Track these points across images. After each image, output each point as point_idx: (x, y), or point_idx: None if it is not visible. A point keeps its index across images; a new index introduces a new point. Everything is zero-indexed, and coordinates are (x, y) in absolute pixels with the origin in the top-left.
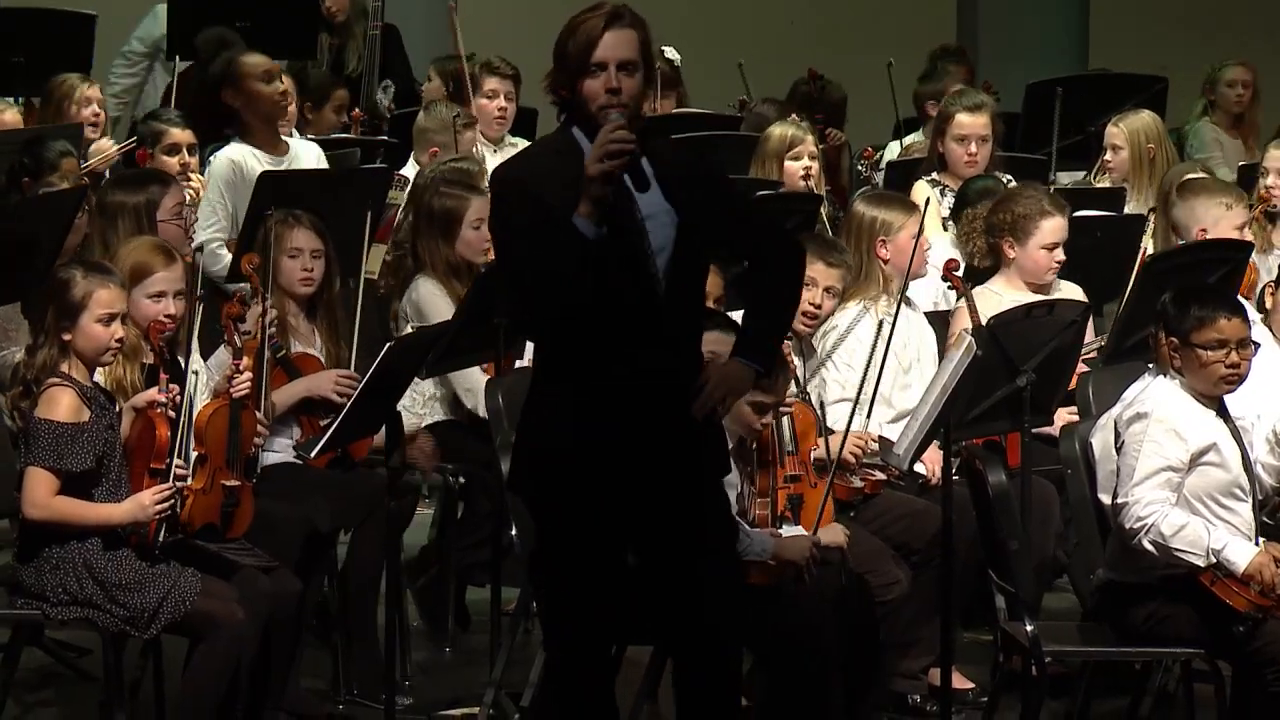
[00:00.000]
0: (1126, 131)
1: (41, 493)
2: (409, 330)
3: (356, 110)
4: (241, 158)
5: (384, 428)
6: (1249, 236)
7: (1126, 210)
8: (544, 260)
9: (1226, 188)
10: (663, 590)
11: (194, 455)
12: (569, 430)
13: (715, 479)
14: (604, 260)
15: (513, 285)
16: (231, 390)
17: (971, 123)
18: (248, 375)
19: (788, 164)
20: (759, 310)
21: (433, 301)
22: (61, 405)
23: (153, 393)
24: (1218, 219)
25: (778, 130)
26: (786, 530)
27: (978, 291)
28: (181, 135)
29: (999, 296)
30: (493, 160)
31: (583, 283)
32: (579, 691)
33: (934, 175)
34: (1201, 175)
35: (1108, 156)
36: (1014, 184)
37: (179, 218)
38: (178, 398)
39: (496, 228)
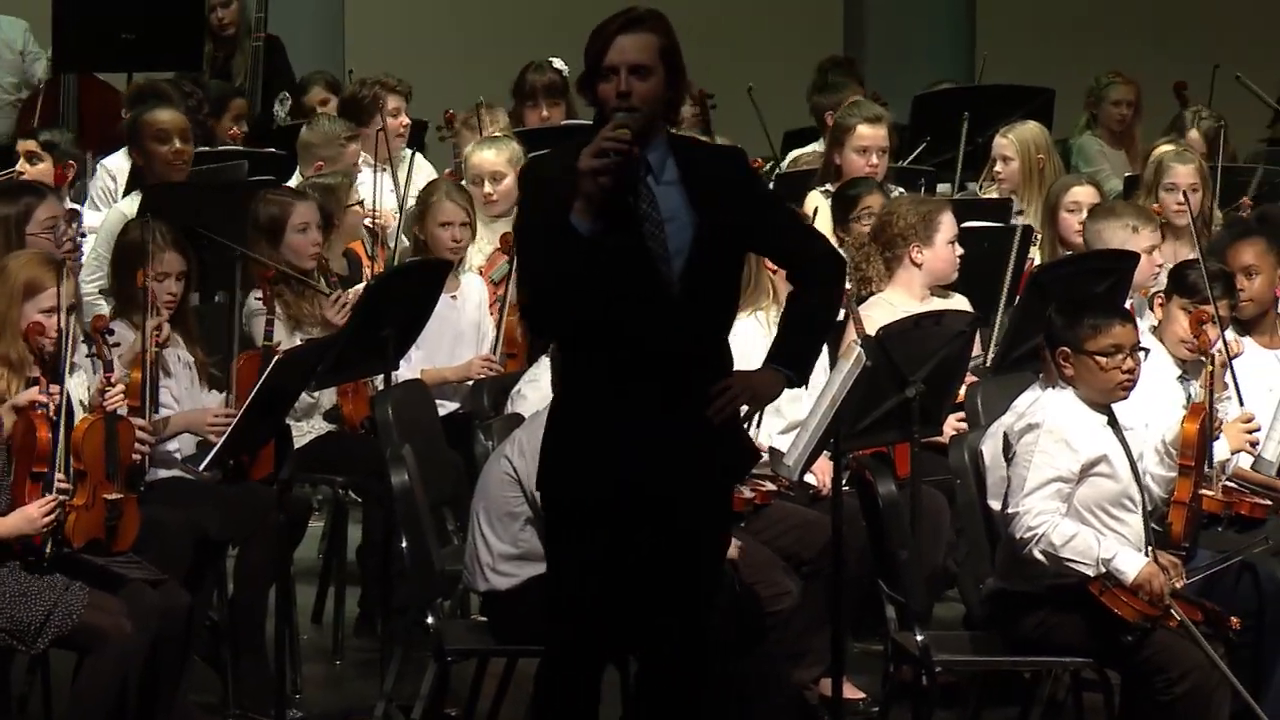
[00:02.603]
0: (1017, 142)
1: None
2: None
3: (235, 129)
4: (134, 211)
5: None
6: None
7: (1016, 221)
8: (545, 257)
9: (1136, 211)
10: (652, 591)
11: (72, 471)
12: (586, 431)
13: (723, 486)
14: (616, 261)
15: (521, 282)
16: (105, 403)
17: (872, 134)
18: (120, 387)
19: None
20: (799, 322)
21: (255, 316)
22: None
23: (34, 392)
24: (1124, 241)
25: None
26: None
27: (873, 303)
28: (27, 144)
29: (893, 306)
30: (375, 180)
31: (578, 280)
32: (572, 696)
33: (828, 186)
34: (1111, 202)
35: (998, 167)
36: (900, 194)
37: (50, 231)
38: (58, 398)
39: (515, 224)
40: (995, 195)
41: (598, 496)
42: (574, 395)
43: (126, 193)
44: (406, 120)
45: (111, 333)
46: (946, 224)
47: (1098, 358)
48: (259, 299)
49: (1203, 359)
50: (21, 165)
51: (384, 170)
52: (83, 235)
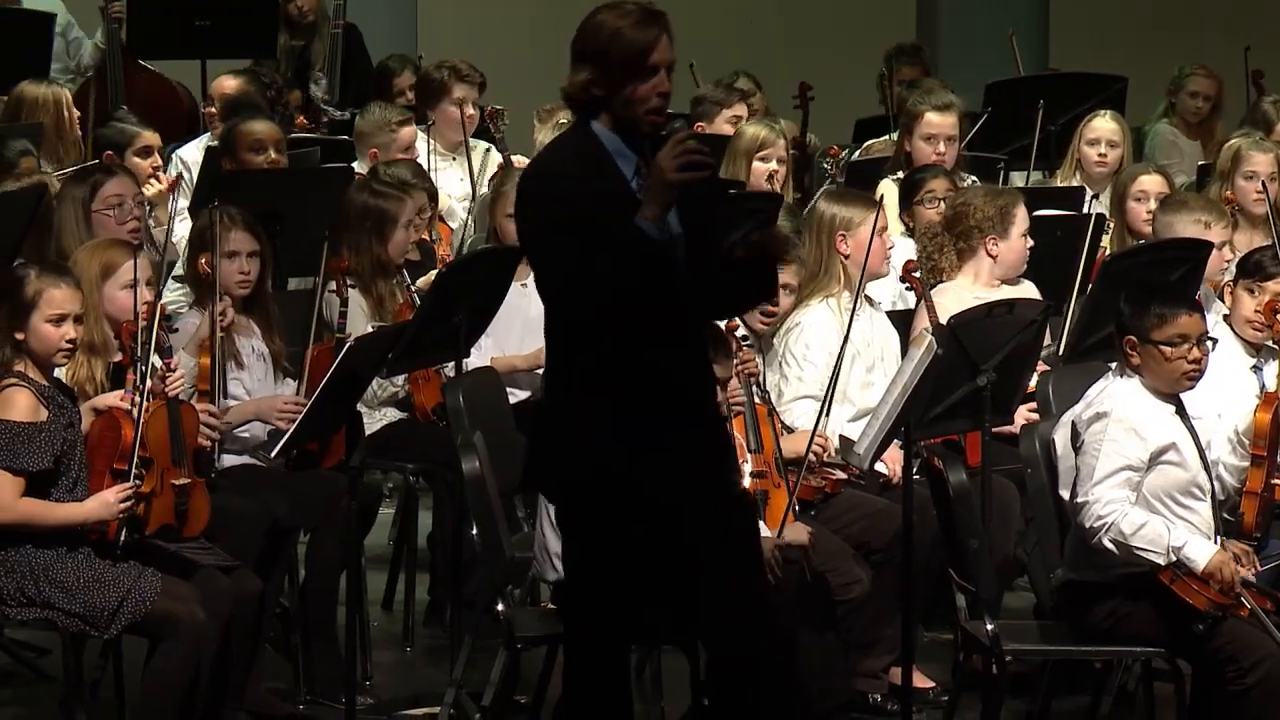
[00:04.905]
0: (1124, 129)
1: (6, 495)
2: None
3: (301, 118)
4: None
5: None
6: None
7: (1099, 210)
8: (606, 262)
9: (1207, 205)
10: (694, 587)
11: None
12: (610, 430)
13: (731, 475)
14: (662, 260)
15: (565, 286)
16: (166, 390)
17: (940, 122)
18: (180, 373)
19: (755, 164)
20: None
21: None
22: (18, 405)
23: (114, 399)
24: (1195, 235)
25: (750, 129)
26: None
27: (944, 289)
28: (152, 138)
29: (963, 293)
30: (448, 167)
31: (641, 285)
32: (602, 691)
33: (899, 174)
34: (1182, 194)
35: (1103, 150)
36: (976, 183)
37: (114, 208)
38: (140, 405)
39: (537, 229)
40: (1077, 182)
41: (607, 487)
42: (594, 388)
43: (199, 184)
44: (472, 111)
45: (170, 319)
46: (1021, 217)
47: (1163, 347)
48: (333, 290)
49: (1274, 345)
50: (157, 176)
51: (454, 159)
52: None
